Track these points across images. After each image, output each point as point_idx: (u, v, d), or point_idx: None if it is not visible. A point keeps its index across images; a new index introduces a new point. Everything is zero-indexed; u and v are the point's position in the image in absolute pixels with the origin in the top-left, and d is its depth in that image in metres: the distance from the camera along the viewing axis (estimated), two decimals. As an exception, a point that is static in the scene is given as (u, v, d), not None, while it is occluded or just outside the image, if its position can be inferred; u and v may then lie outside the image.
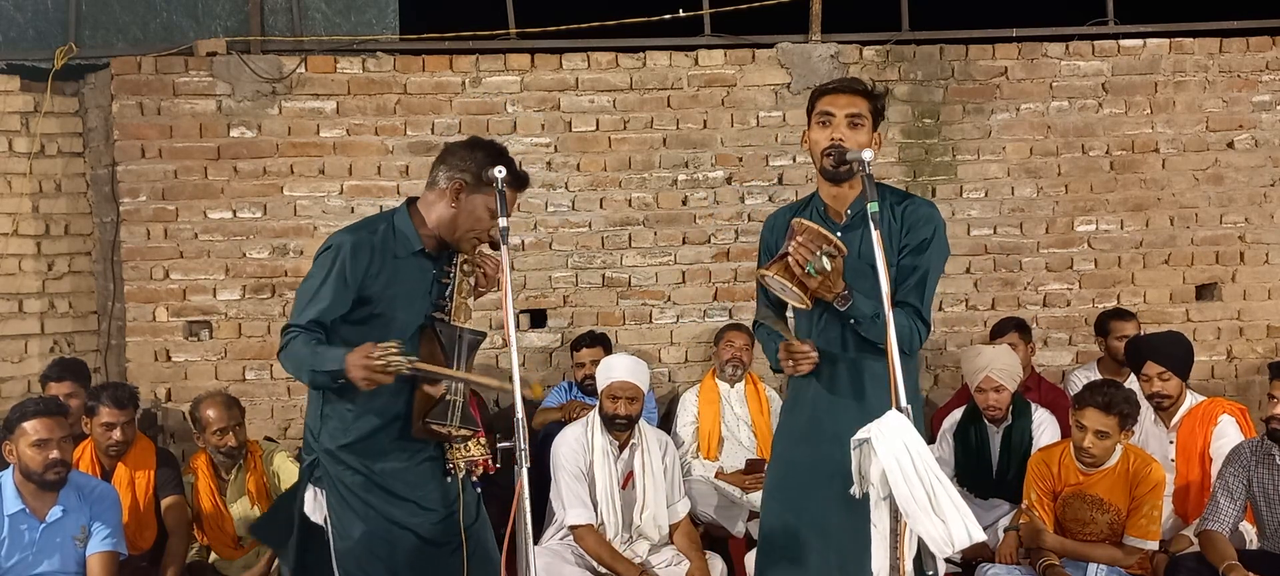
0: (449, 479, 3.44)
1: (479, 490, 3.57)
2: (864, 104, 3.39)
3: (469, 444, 3.44)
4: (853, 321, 3.32)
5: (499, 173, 3.23)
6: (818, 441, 3.44)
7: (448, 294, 3.42)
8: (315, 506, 3.45)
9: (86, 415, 4.90)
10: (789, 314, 3.66)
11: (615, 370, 4.93)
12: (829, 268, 3.19)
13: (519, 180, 3.36)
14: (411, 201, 3.47)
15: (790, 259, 3.21)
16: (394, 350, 3.07)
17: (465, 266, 3.44)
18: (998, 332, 5.94)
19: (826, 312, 3.38)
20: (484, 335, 3.52)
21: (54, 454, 4.18)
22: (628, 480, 4.96)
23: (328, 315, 3.28)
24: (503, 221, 3.19)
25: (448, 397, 3.34)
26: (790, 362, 3.37)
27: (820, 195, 3.52)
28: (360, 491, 3.37)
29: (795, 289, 3.25)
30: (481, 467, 3.47)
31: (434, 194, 3.39)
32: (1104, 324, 6.06)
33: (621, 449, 4.96)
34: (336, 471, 3.38)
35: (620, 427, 4.91)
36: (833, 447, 3.37)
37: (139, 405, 5.18)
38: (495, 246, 3.42)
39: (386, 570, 3.38)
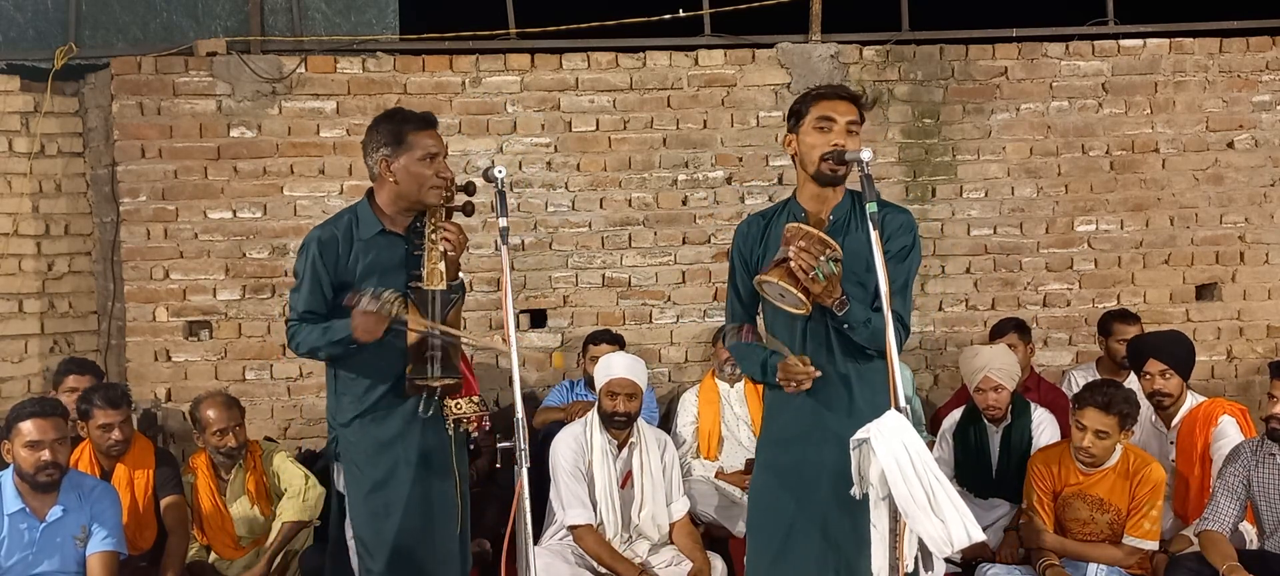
0: (448, 432, 3.69)
1: (470, 448, 3.84)
2: (857, 112, 3.43)
3: (461, 401, 3.67)
4: (847, 327, 3.31)
5: (499, 173, 3.39)
6: (805, 445, 3.43)
7: (421, 262, 3.65)
8: (339, 478, 3.79)
9: (81, 419, 4.84)
10: (758, 322, 3.65)
11: (614, 367, 4.93)
12: (835, 272, 3.18)
13: (424, 121, 3.68)
14: (371, 191, 3.77)
15: (793, 263, 3.19)
16: (388, 295, 3.44)
17: (433, 236, 3.65)
18: (997, 333, 5.93)
19: (810, 320, 3.37)
20: (458, 290, 3.72)
21: (45, 455, 4.17)
22: (626, 479, 4.96)
23: (312, 306, 3.65)
24: (502, 221, 3.34)
25: (427, 353, 3.57)
26: (793, 384, 3.35)
27: (798, 200, 3.48)
28: (372, 454, 3.66)
29: (798, 294, 3.22)
30: (474, 425, 3.70)
31: (377, 183, 3.72)
32: (1107, 324, 6.05)
33: (620, 448, 4.96)
34: (352, 440, 3.69)
35: (619, 425, 4.91)
36: (821, 451, 3.37)
37: (132, 403, 5.17)
38: (471, 195, 3.68)
39: (395, 529, 3.64)
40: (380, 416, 3.66)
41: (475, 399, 3.74)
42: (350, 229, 3.69)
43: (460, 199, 3.71)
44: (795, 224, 3.28)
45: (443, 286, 3.61)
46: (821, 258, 3.15)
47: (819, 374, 3.33)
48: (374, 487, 3.66)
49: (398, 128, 3.65)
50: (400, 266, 3.65)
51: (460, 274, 3.76)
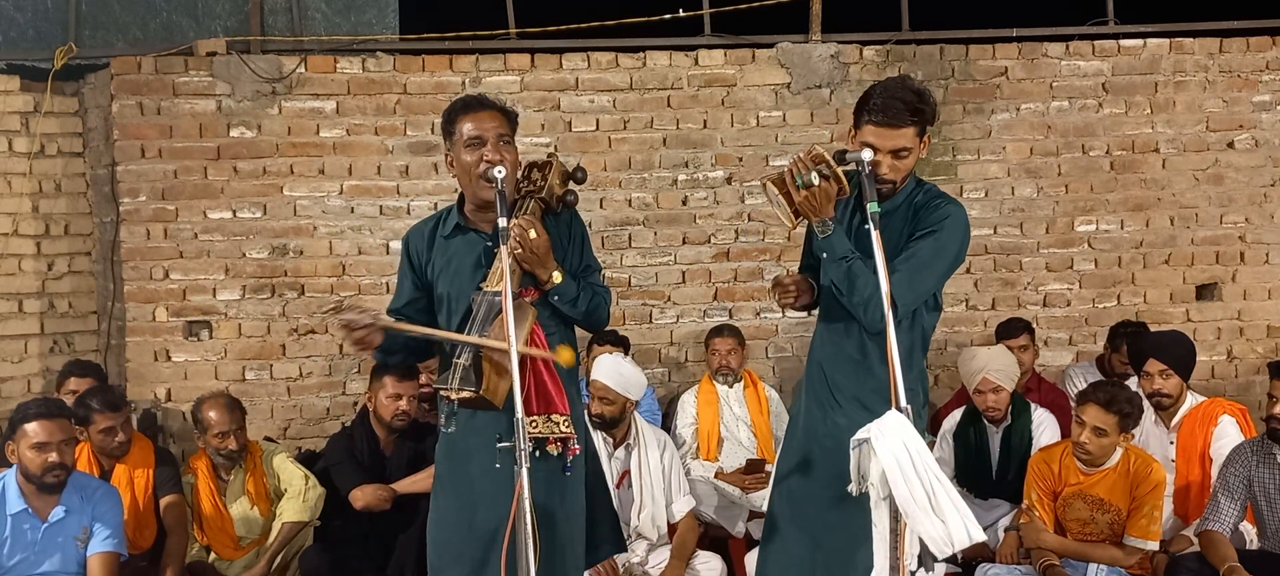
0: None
1: (568, 473, 3.39)
2: (912, 132, 3.25)
3: (537, 419, 3.25)
4: (823, 254, 3.26)
5: (498, 173, 3.19)
6: (816, 435, 3.44)
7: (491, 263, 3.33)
8: None
9: (79, 424, 4.74)
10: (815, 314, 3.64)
11: (597, 368, 4.95)
12: (816, 183, 3.15)
13: (468, 103, 3.37)
14: None
15: (786, 172, 3.21)
16: (348, 309, 3.17)
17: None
18: (1009, 334, 5.90)
19: (835, 306, 3.37)
20: (542, 300, 3.35)
21: (53, 457, 4.16)
22: (623, 479, 4.95)
23: (396, 303, 3.47)
24: (502, 222, 3.14)
25: (454, 360, 3.20)
26: (779, 292, 3.42)
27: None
28: (448, 468, 3.43)
29: (783, 202, 3.23)
30: (554, 447, 3.30)
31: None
32: (1114, 338, 6.02)
33: (616, 447, 4.94)
34: (439, 449, 3.46)
35: (594, 424, 4.86)
36: (826, 444, 3.37)
37: (129, 403, 5.16)
38: (580, 183, 3.48)
39: (454, 553, 3.38)
40: (458, 431, 3.35)
41: (557, 417, 3.29)
42: (437, 225, 3.46)
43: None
44: (815, 144, 3.28)
45: (495, 290, 3.18)
46: (810, 170, 3.15)
47: (802, 285, 3.42)
48: (445, 503, 3.43)
49: (450, 113, 3.35)
50: (475, 266, 3.35)
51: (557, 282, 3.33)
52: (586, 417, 4.85)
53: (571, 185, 3.46)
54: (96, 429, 4.78)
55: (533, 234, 3.22)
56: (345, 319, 3.17)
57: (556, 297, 3.35)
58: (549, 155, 3.51)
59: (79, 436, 4.83)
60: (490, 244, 3.35)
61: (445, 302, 3.41)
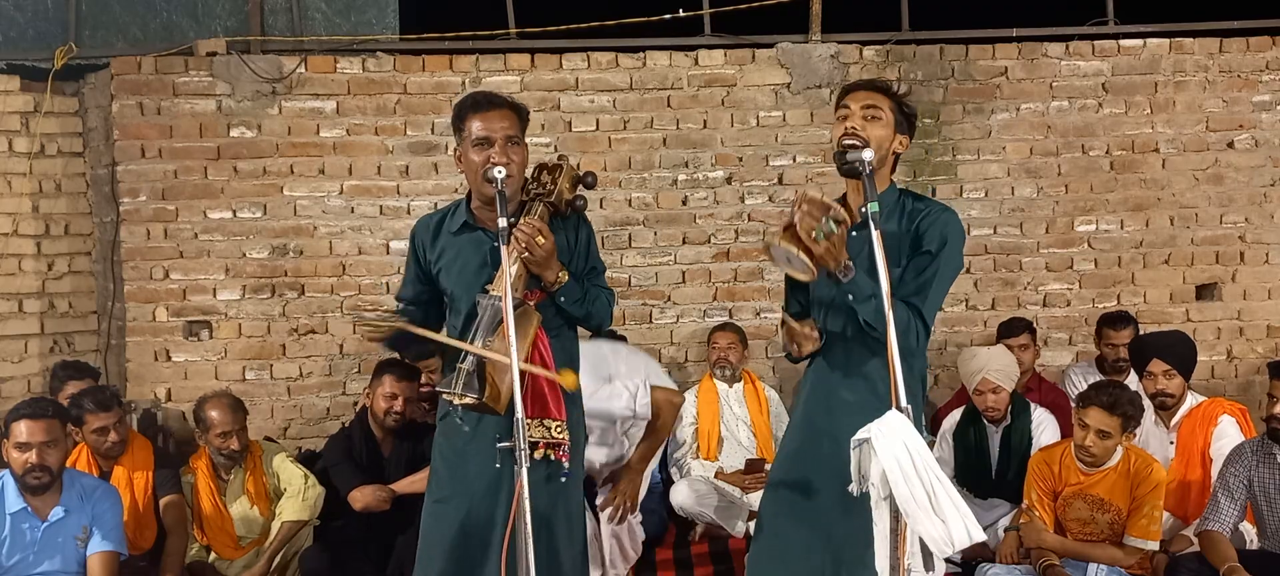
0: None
1: (565, 479, 3.39)
2: (883, 99, 3.32)
3: (530, 422, 3.22)
4: (851, 297, 3.25)
5: (498, 174, 3.20)
6: (818, 437, 3.44)
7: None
8: None
9: (73, 425, 4.73)
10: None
11: None
12: (835, 231, 3.14)
13: (478, 101, 3.39)
14: None
15: (797, 225, 3.15)
16: (379, 312, 3.19)
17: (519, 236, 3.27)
18: (1009, 334, 5.89)
19: (834, 305, 3.37)
20: (549, 301, 3.37)
21: (33, 458, 4.14)
22: None
23: (406, 295, 3.52)
24: (502, 221, 3.15)
25: (458, 364, 3.22)
26: (794, 346, 3.34)
27: (848, 192, 3.47)
28: (442, 463, 3.46)
29: (803, 258, 3.20)
30: (544, 452, 3.30)
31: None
32: (1100, 328, 6.04)
33: None
34: (436, 442, 3.49)
35: None
36: (824, 442, 3.37)
37: (123, 403, 5.14)
38: (590, 188, 3.48)
39: (441, 548, 3.40)
40: (454, 427, 3.39)
41: (550, 421, 3.30)
42: (444, 219, 3.48)
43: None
44: (804, 189, 3.26)
45: (499, 294, 3.17)
46: (824, 218, 3.13)
47: (818, 340, 3.32)
48: (435, 498, 3.45)
49: (460, 109, 3.39)
50: (480, 266, 3.37)
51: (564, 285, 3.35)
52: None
53: (581, 190, 3.48)
54: (88, 429, 4.78)
55: (541, 239, 3.24)
56: (370, 320, 3.26)
57: (562, 298, 3.39)
58: (560, 158, 3.53)
59: (75, 437, 4.84)
60: (496, 244, 3.34)
61: (451, 301, 3.44)
